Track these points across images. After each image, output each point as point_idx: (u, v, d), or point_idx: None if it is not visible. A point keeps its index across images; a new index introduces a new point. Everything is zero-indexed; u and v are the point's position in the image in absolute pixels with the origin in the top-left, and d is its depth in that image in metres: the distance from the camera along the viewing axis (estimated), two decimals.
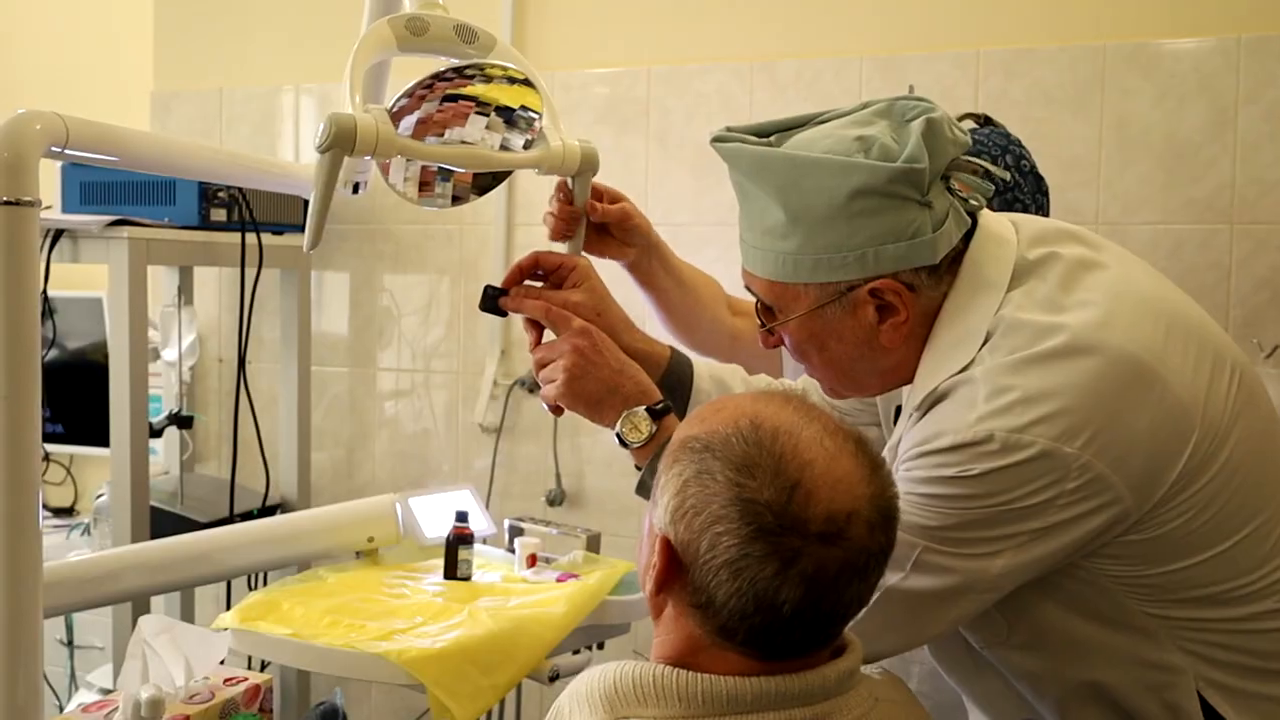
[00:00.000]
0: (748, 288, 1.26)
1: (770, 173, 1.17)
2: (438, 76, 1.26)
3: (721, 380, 1.53)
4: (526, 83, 1.31)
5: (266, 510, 2.57)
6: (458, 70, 1.26)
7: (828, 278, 1.17)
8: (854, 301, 1.18)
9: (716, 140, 1.24)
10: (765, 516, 0.91)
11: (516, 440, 2.69)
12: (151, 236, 2.23)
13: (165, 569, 1.77)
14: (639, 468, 1.33)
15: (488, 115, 1.27)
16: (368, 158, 1.26)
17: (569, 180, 1.45)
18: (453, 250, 2.75)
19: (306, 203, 2.60)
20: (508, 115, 1.29)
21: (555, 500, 2.64)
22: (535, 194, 2.63)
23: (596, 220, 1.53)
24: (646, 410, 1.31)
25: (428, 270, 2.77)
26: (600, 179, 2.50)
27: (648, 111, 2.56)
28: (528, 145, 1.35)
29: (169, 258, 2.39)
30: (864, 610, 1.03)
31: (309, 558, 1.99)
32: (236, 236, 2.41)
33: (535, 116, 1.34)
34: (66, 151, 1.31)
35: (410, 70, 1.35)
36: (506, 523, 2.08)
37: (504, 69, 1.29)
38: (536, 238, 2.63)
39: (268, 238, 2.48)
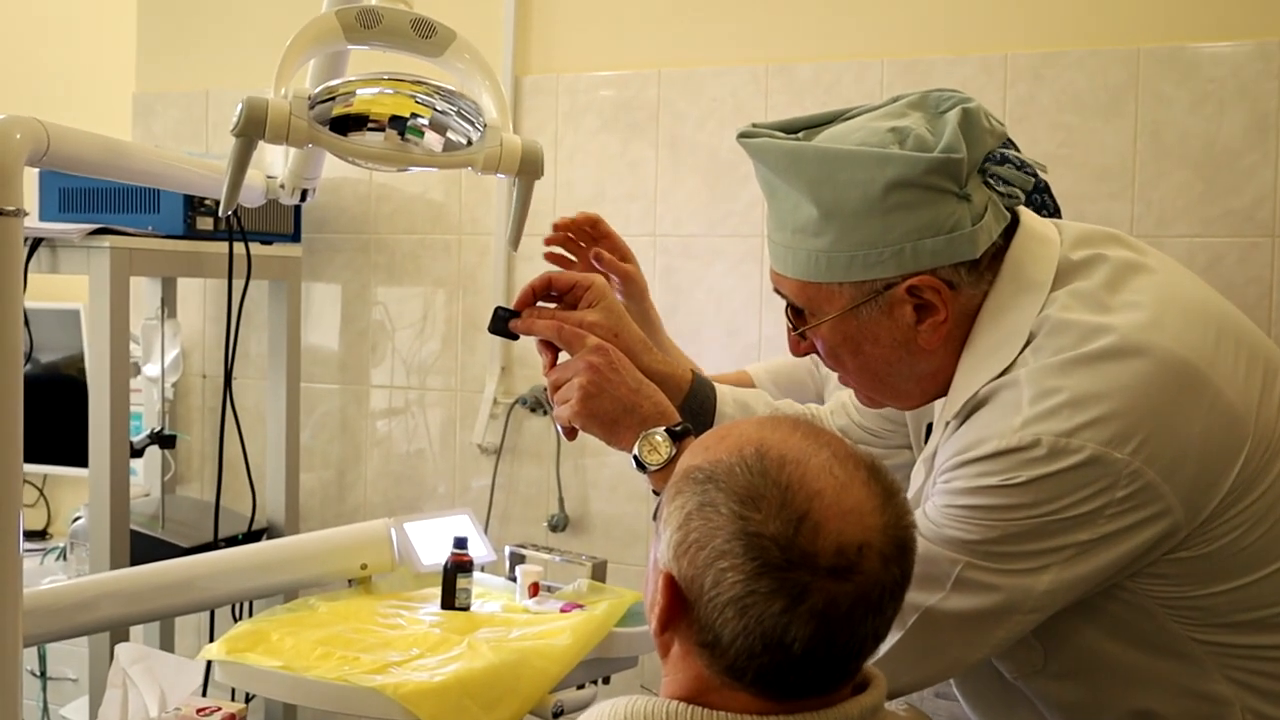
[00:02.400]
0: (777, 290, 1.27)
1: (802, 168, 1.17)
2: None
3: (746, 405, 1.54)
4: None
5: (252, 535, 2.57)
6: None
7: (863, 276, 1.18)
8: (891, 300, 1.19)
9: (744, 136, 1.24)
10: (771, 551, 0.91)
11: (517, 462, 2.70)
12: (135, 246, 2.24)
13: (146, 597, 1.78)
14: (656, 492, 1.32)
15: (381, 130, 1.31)
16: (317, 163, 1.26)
17: (513, 191, 1.47)
18: (450, 261, 2.76)
19: (298, 210, 2.67)
20: (400, 127, 1.32)
21: (558, 526, 2.64)
22: (537, 203, 2.59)
23: (602, 269, 1.58)
24: (666, 431, 1.31)
25: (424, 282, 2.78)
26: (608, 187, 2.61)
27: (658, 116, 2.57)
28: (471, 143, 1.37)
29: (152, 268, 2.40)
30: (898, 637, 1.03)
31: (298, 586, 1.98)
32: (224, 247, 2.42)
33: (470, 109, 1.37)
34: (45, 159, 1.32)
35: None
36: (507, 549, 2.08)
37: (418, 83, 1.34)
38: (541, 249, 2.60)
39: (256, 247, 2.49)
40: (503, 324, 1.45)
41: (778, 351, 2.44)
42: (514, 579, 1.95)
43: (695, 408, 1.48)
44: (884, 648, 1.11)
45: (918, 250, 1.16)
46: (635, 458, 1.32)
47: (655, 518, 1.29)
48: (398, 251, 2.81)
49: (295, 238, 2.72)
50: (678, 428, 1.32)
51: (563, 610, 1.83)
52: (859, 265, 1.18)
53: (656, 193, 2.56)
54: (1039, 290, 1.19)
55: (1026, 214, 1.25)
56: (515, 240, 1.48)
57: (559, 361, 1.43)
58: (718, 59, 2.50)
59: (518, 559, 2.04)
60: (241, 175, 1.34)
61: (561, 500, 2.64)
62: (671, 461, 1.30)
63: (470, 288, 2.74)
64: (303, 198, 1.85)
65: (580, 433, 1.40)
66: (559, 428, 1.40)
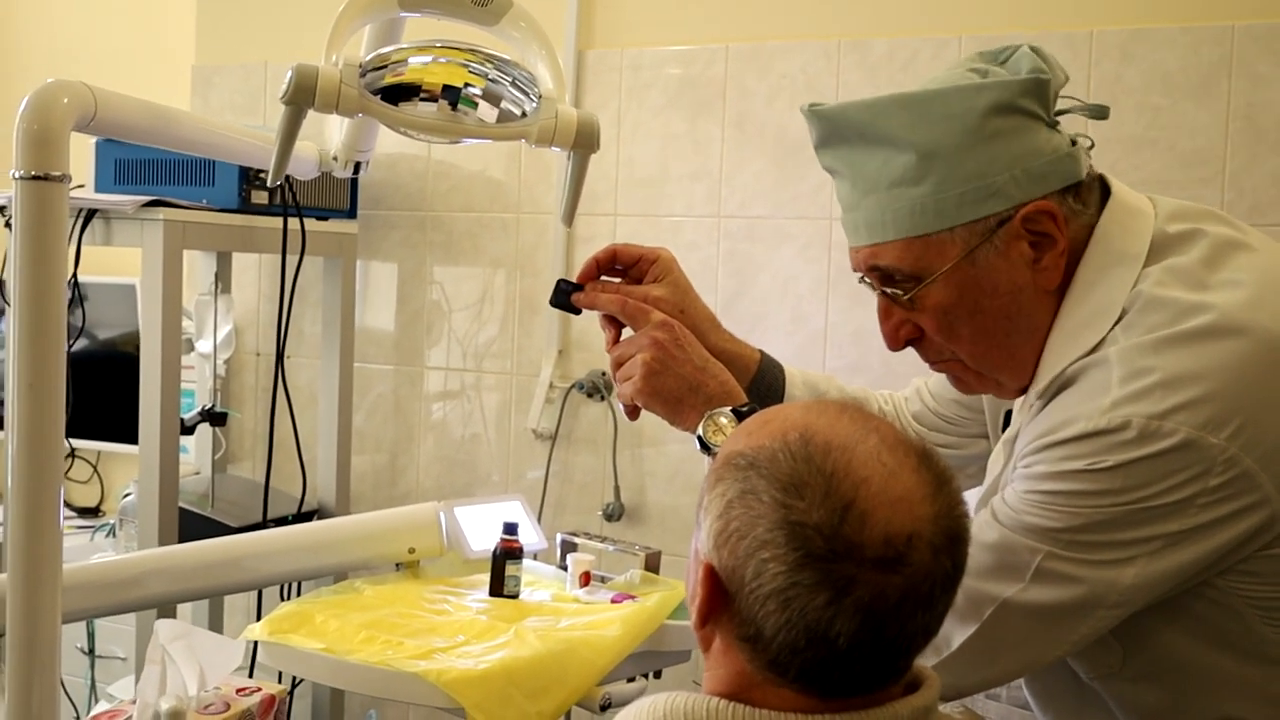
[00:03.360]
0: (870, 270, 1.25)
1: (889, 116, 1.18)
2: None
3: (816, 388, 1.54)
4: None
5: (302, 516, 2.59)
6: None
7: (975, 214, 1.17)
8: (1007, 237, 1.18)
9: (813, 107, 1.25)
10: (815, 541, 0.90)
11: (573, 449, 2.70)
12: (188, 219, 2.26)
13: (193, 575, 1.79)
14: None
15: (433, 100, 1.31)
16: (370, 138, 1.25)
17: (568, 166, 1.45)
18: (508, 241, 2.77)
19: (354, 185, 2.68)
20: (452, 97, 1.32)
21: (613, 515, 2.65)
22: (598, 181, 2.63)
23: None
24: (732, 412, 1.31)
25: (481, 262, 2.79)
26: (672, 166, 2.59)
27: (725, 93, 2.55)
28: (525, 114, 1.37)
29: (206, 242, 2.43)
30: (970, 632, 1.00)
31: (345, 568, 1.99)
32: (278, 221, 2.43)
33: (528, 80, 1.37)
34: (93, 125, 1.33)
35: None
36: (559, 537, 2.08)
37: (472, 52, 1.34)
38: (600, 228, 2.65)
39: (311, 223, 2.51)
40: (565, 298, 1.45)
41: (844, 340, 2.45)
42: (565, 568, 1.95)
43: (763, 389, 1.47)
44: (954, 643, 1.12)
45: (1027, 175, 1.16)
46: (699, 438, 1.31)
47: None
48: (455, 230, 2.82)
49: (351, 214, 2.74)
50: (744, 408, 1.31)
51: (614, 601, 1.82)
52: (969, 202, 1.17)
53: (722, 173, 2.55)
54: (1132, 264, 1.17)
55: (1118, 185, 1.24)
56: (569, 216, 1.48)
57: (622, 338, 1.43)
58: (788, 33, 2.48)
59: (569, 547, 2.04)
60: (290, 144, 1.34)
61: (617, 489, 2.65)
62: None
63: (528, 268, 2.75)
64: (356, 170, 1.85)
65: (642, 415, 1.41)
66: (621, 406, 1.40)
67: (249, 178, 2.43)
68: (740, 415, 1.31)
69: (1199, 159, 2.21)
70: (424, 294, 2.86)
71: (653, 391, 1.35)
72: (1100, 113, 1.26)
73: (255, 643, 1.70)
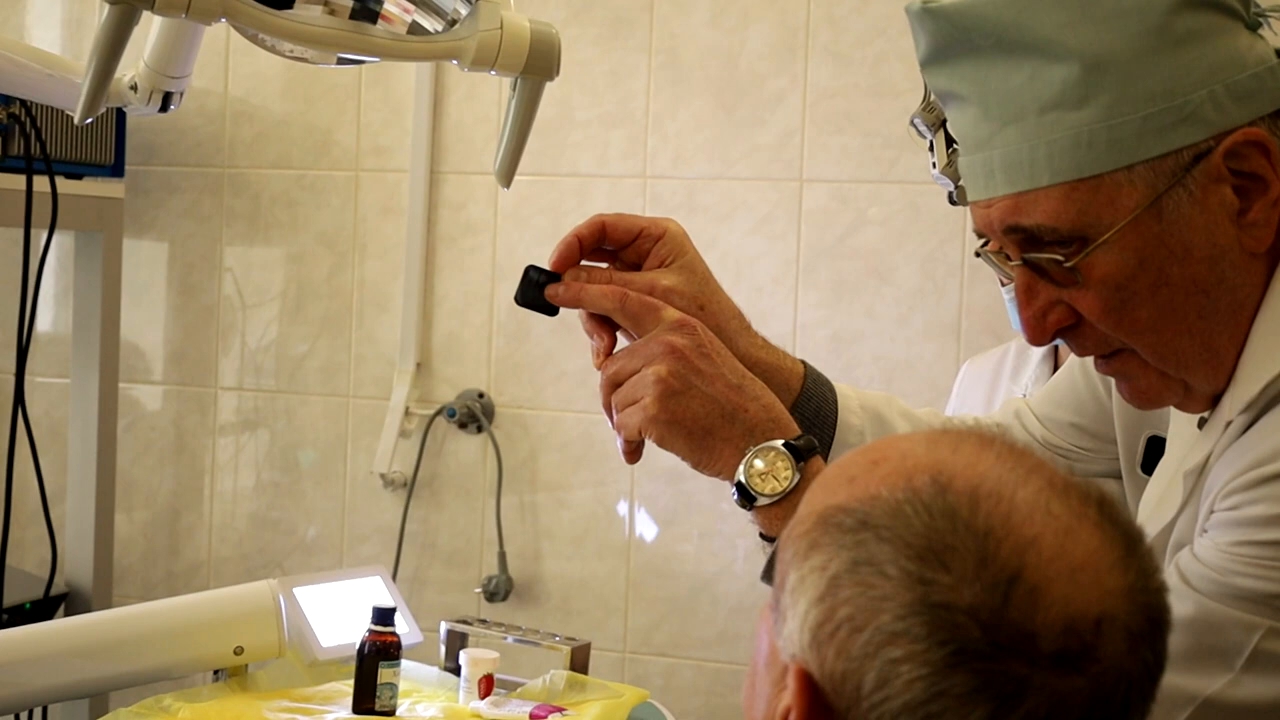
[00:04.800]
0: (1009, 232, 1.23)
1: (1040, 13, 1.17)
2: None
3: (877, 413, 1.52)
4: None
5: (49, 603, 2.47)
6: None
7: (1162, 146, 1.16)
8: (1204, 179, 1.17)
9: (926, 5, 1.23)
10: (970, 631, 0.86)
11: (438, 500, 2.68)
12: None
13: None
14: (766, 537, 1.29)
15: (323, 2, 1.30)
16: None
17: (512, 98, 1.43)
18: (343, 209, 2.73)
19: (120, 129, 2.55)
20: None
21: (496, 592, 2.60)
22: (472, 126, 2.62)
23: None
24: (785, 447, 1.27)
25: (302, 239, 2.75)
26: (577, 109, 2.55)
27: (651, 10, 2.53)
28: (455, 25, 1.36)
29: None
30: None
31: (139, 679, 1.89)
32: (18, 180, 2.31)
33: None
34: None
35: None
36: (442, 627, 2.04)
37: None
38: (476, 190, 2.62)
39: (65, 183, 2.37)
40: (537, 292, 1.39)
41: (820, 347, 2.44)
42: (456, 670, 1.92)
43: (809, 415, 1.44)
44: None
45: (1229, 93, 1.15)
46: (740, 484, 1.27)
47: (769, 578, 1.19)
48: (264, 193, 2.77)
49: (115, 170, 2.60)
50: (799, 441, 1.28)
51: (534, 716, 1.81)
52: (1153, 131, 1.16)
53: (648, 117, 2.54)
54: None
55: None
56: (508, 172, 1.43)
57: (618, 346, 1.39)
58: None
59: (458, 641, 2.03)
60: (113, 63, 1.29)
61: (503, 555, 2.60)
62: (795, 491, 1.26)
63: (373, 247, 2.71)
64: (164, 107, 1.75)
65: (635, 452, 1.35)
66: (620, 443, 1.35)
67: None
68: (797, 452, 1.28)
69: None
70: (216, 284, 2.80)
71: (672, 419, 1.30)
72: None
73: None
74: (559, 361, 2.63)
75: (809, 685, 0.90)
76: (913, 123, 1.92)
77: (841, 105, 2.46)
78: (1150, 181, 1.17)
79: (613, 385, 1.34)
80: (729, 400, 1.30)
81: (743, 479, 1.27)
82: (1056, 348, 2.07)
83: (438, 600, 2.64)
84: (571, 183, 2.57)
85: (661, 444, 1.32)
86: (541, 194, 2.58)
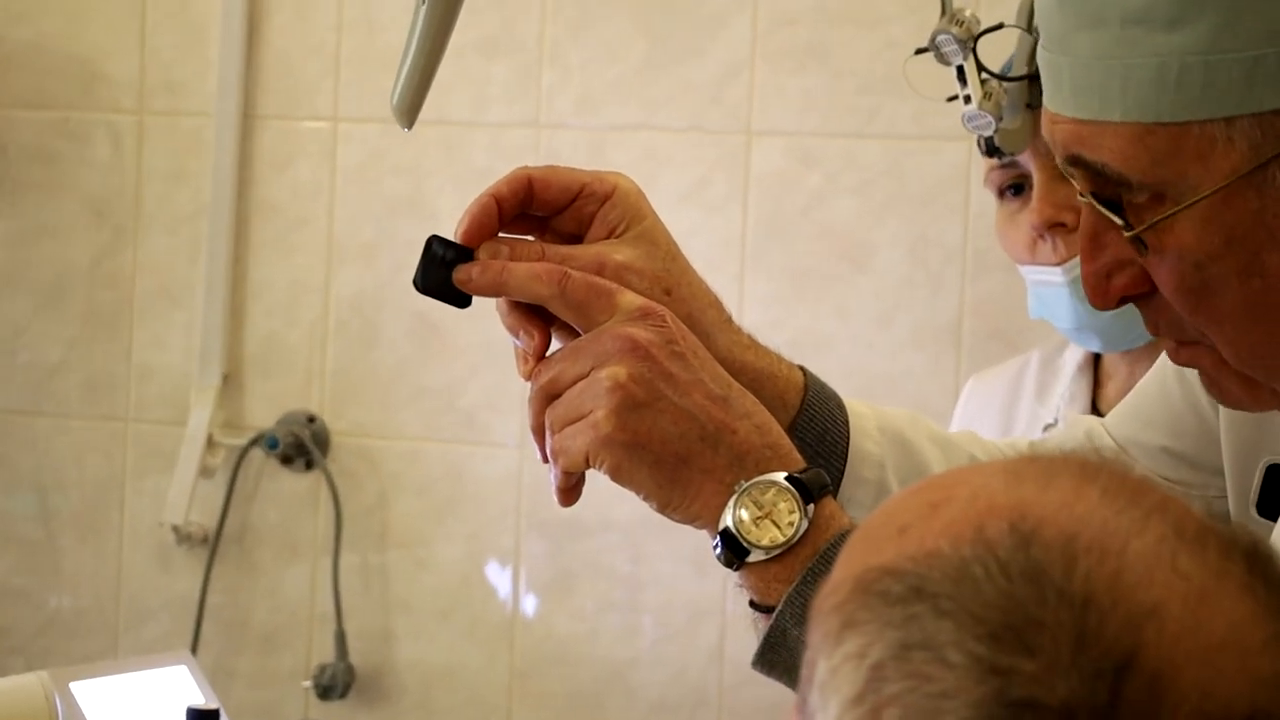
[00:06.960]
0: (1073, 162, 1.17)
1: None
2: None
3: (900, 437, 1.40)
4: None
5: None
6: None
7: (1275, 97, 1.12)
8: None
9: None
10: None
11: (250, 560, 2.55)
12: None
13: None
14: (757, 606, 1.19)
15: None
16: None
17: (419, 12, 1.26)
18: (118, 166, 2.60)
19: None
20: None
21: (333, 686, 2.44)
22: (298, 61, 2.53)
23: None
24: (789, 480, 1.19)
25: (58, 206, 2.63)
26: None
27: None
28: None
29: None
30: None
31: None
32: None
33: None
34: None
35: None
36: None
37: None
38: (303, 142, 2.54)
39: None
40: (444, 273, 1.28)
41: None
42: None
43: (812, 440, 1.33)
44: None
45: None
46: (726, 532, 1.20)
47: (764, 665, 1.25)
48: (10, 144, 2.65)
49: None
50: (806, 475, 1.20)
51: None
52: (1268, 76, 1.11)
53: (542, 47, 2.46)
54: None
55: None
56: (411, 111, 1.27)
57: (554, 345, 1.29)
58: None
59: None
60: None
61: (341, 635, 2.45)
62: (801, 543, 1.20)
63: (160, 219, 2.59)
64: None
65: (574, 489, 1.24)
66: (553, 475, 1.24)
67: None
68: (803, 489, 1.19)
69: None
70: None
71: (634, 441, 1.19)
72: None
73: None
74: (417, 374, 2.49)
75: None
76: (934, 43, 1.84)
77: (804, 33, 2.37)
78: (1255, 142, 1.12)
79: (547, 397, 1.25)
80: (711, 417, 1.22)
81: (730, 525, 1.20)
82: (1098, 359, 2.00)
83: (250, 698, 2.47)
84: (437, 133, 2.45)
85: (617, 476, 1.22)
86: (396, 148, 2.47)
